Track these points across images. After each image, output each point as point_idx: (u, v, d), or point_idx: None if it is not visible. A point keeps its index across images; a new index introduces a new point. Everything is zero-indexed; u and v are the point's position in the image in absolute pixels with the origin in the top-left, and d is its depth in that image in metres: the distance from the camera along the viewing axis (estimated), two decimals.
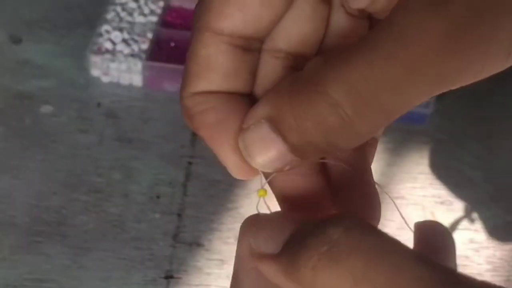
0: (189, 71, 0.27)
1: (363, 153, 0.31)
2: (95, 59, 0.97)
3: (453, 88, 0.24)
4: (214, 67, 0.27)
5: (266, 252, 0.25)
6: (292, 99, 0.24)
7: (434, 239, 0.28)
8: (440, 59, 0.23)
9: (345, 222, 0.23)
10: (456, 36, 0.23)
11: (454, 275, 0.23)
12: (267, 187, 0.29)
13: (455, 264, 0.27)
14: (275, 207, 0.29)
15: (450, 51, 0.23)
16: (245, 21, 0.26)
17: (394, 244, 0.22)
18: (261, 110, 0.25)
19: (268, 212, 0.28)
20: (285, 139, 0.25)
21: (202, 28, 0.27)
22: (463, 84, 0.24)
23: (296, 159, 0.25)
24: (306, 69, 0.25)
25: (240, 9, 0.26)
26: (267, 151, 0.26)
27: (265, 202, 0.28)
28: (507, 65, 0.24)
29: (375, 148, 0.31)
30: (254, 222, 0.27)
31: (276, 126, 0.25)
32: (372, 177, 0.30)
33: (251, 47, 0.27)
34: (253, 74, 0.27)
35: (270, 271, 0.25)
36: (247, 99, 0.27)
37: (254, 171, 0.28)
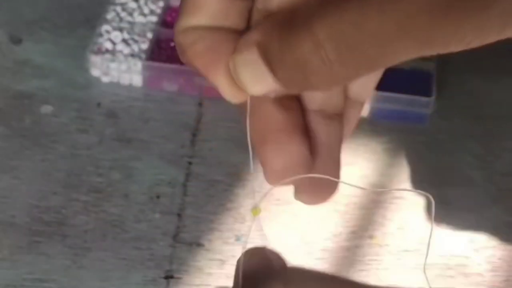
0: (181, 10, 0.28)
1: (343, 120, 0.31)
2: (95, 59, 0.97)
3: (442, 52, 0.24)
4: (204, 4, 0.28)
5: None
6: (282, 31, 0.25)
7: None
8: (432, 22, 0.23)
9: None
10: (452, 2, 0.22)
11: None
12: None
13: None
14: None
15: (443, 16, 0.23)
16: None
17: None
18: (253, 35, 0.26)
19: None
20: (269, 67, 0.26)
21: None
22: (453, 50, 0.24)
23: (280, 88, 0.26)
24: (302, 6, 0.25)
25: None
26: (253, 75, 0.27)
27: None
28: (499, 38, 0.24)
29: (359, 112, 0.31)
30: None
31: (264, 54, 0.26)
32: (339, 151, 0.31)
33: None
34: (245, 18, 0.29)
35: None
36: (238, 34, 0.28)
37: (244, 94, 0.29)
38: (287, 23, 0.25)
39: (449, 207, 0.87)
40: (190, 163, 0.90)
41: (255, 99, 0.29)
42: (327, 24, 0.23)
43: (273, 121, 0.30)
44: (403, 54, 0.23)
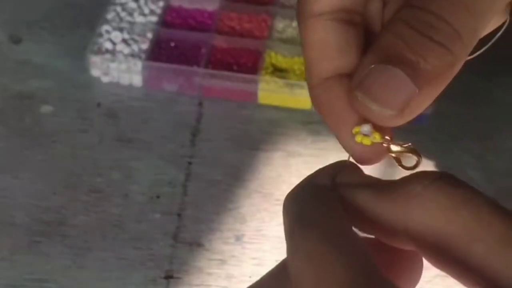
0: (308, 61, 0.27)
1: None
2: (95, 59, 0.97)
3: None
4: (330, 44, 0.27)
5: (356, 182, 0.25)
6: (389, 28, 0.25)
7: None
8: None
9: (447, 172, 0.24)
10: None
11: None
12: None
13: None
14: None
15: None
16: None
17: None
18: (367, 60, 0.26)
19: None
20: (401, 64, 0.25)
21: (305, 16, 0.27)
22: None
23: (415, 89, 0.25)
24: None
25: None
26: (386, 84, 0.25)
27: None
28: (495, 26, 0.26)
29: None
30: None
31: (388, 60, 0.25)
32: None
33: (354, 21, 0.28)
34: (361, 47, 0.28)
35: (362, 195, 0.25)
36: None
37: (378, 150, 0.28)
38: (414, 20, 0.25)
39: None
40: (190, 163, 0.90)
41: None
42: (444, 1, 0.25)
43: None
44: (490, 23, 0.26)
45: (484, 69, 1.02)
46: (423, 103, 0.26)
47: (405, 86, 0.25)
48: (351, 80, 0.26)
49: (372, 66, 0.25)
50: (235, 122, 0.93)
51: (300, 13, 0.28)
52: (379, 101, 0.25)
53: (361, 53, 0.28)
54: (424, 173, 0.25)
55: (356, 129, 0.27)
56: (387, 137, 0.28)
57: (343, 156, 0.28)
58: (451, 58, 0.26)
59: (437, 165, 0.92)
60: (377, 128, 0.27)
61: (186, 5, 1.06)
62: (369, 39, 0.29)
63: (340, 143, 0.28)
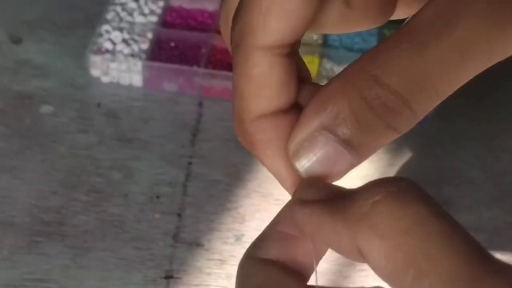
0: (243, 95, 0.26)
1: None
2: (95, 59, 0.97)
3: (502, 59, 0.24)
4: (273, 82, 0.26)
5: (311, 198, 0.25)
6: (348, 93, 0.24)
7: None
8: (491, 33, 0.23)
9: (409, 180, 0.23)
10: (499, 7, 0.22)
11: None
12: None
13: None
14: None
15: (498, 24, 0.23)
16: (291, 28, 0.25)
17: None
18: (310, 123, 0.25)
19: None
20: (343, 139, 0.24)
21: (250, 47, 0.25)
22: (509, 54, 0.24)
23: (354, 161, 0.25)
24: (354, 63, 0.24)
25: (285, 16, 0.25)
26: (328, 162, 0.25)
27: None
28: None
29: None
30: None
31: (331, 129, 0.24)
32: None
33: (294, 51, 0.27)
34: (297, 79, 0.27)
35: (314, 214, 0.24)
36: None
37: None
38: (349, 83, 0.24)
39: (449, 207, 0.87)
40: (190, 163, 0.90)
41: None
42: (392, 67, 0.23)
43: None
44: (468, 75, 0.24)
45: (485, 71, 1.02)
46: (359, 164, 0.25)
47: (344, 161, 0.25)
48: (291, 138, 0.25)
49: (315, 134, 0.24)
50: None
51: (243, 43, 0.25)
52: (312, 172, 0.25)
53: (297, 87, 0.26)
54: (379, 184, 0.24)
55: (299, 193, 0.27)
56: None
57: None
58: (398, 136, 0.25)
59: (437, 166, 0.92)
60: None
61: (186, 5, 1.06)
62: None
63: (276, 178, 0.27)
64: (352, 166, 0.25)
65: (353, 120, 0.24)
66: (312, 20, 0.26)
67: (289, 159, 0.25)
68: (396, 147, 0.93)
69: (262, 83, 0.26)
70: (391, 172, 0.90)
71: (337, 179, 0.26)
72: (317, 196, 0.25)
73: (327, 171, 0.25)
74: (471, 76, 0.24)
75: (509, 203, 0.88)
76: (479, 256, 0.21)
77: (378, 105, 0.23)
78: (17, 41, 1.03)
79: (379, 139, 0.24)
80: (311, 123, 0.24)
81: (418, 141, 0.94)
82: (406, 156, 0.92)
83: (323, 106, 0.24)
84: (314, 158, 0.25)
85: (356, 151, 0.25)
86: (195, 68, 0.97)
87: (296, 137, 0.25)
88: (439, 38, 0.23)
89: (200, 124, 0.95)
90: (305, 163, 0.25)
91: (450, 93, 0.24)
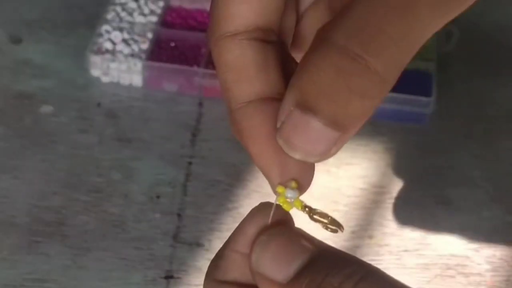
0: (226, 83, 0.26)
1: None
2: (95, 59, 0.97)
3: (459, 12, 0.23)
4: (248, 64, 0.26)
5: (274, 278, 0.24)
6: (307, 67, 0.23)
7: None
8: None
9: (369, 266, 0.24)
10: None
11: None
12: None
13: None
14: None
15: None
16: (254, 11, 0.25)
17: None
18: (287, 100, 0.24)
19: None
20: (318, 114, 0.23)
21: (218, 37, 0.26)
22: (467, 6, 0.23)
23: (338, 134, 0.23)
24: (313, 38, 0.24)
25: (243, 1, 0.25)
26: (306, 136, 0.24)
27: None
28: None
29: None
30: (261, 232, 0.26)
31: (305, 106, 0.23)
32: None
33: (270, 39, 0.26)
34: (280, 65, 0.26)
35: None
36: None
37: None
38: (309, 59, 0.23)
39: (449, 207, 0.87)
40: (190, 163, 0.90)
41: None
42: (343, 27, 0.22)
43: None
44: (423, 25, 0.22)
45: (484, 70, 1.02)
46: (349, 139, 0.24)
47: (326, 136, 0.23)
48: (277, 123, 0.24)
49: (291, 109, 0.23)
50: None
51: (212, 34, 0.26)
52: (300, 151, 0.24)
53: (281, 72, 0.26)
54: (338, 275, 0.23)
55: (280, 189, 0.26)
56: (308, 206, 0.26)
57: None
58: (372, 103, 0.23)
59: (437, 165, 0.92)
60: (303, 189, 0.26)
61: (186, 5, 1.06)
62: (287, 57, 0.27)
63: (262, 171, 0.26)
64: (335, 139, 0.23)
65: (320, 93, 0.23)
66: (280, 7, 0.26)
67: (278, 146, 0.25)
68: (396, 147, 0.93)
69: (238, 67, 0.26)
70: (391, 172, 0.90)
71: (328, 157, 0.24)
72: (277, 272, 0.25)
73: (309, 149, 0.24)
74: (429, 28, 0.22)
75: (509, 203, 0.88)
76: None
77: (333, 70, 0.22)
78: (17, 41, 1.03)
79: (350, 108, 0.23)
80: (287, 100, 0.24)
81: (418, 141, 0.94)
82: (406, 156, 0.92)
83: (293, 84, 0.24)
84: (294, 136, 0.24)
85: (337, 126, 0.23)
86: (195, 68, 0.97)
87: (278, 114, 0.24)
88: None
89: (200, 124, 0.95)
90: (285, 140, 0.24)
91: (412, 45, 0.23)
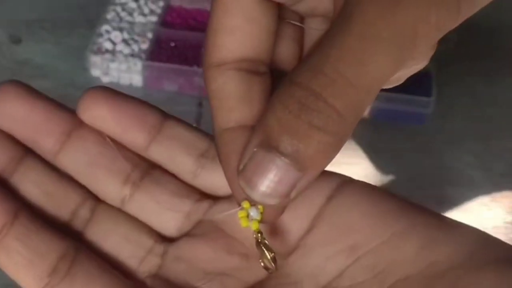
0: (212, 108, 0.27)
1: None
2: (95, 59, 0.97)
3: (414, 60, 0.24)
4: (229, 93, 0.26)
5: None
6: (273, 105, 0.24)
7: None
8: (385, 12, 0.23)
9: None
10: None
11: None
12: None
13: None
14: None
15: (390, 4, 0.23)
16: (240, 43, 0.26)
17: None
18: (251, 143, 0.25)
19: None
20: (280, 151, 0.23)
21: (207, 66, 0.27)
22: (422, 54, 0.25)
23: (299, 175, 0.24)
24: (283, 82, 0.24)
25: (229, 33, 0.26)
26: (267, 175, 0.24)
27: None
28: (415, 71, 0.26)
29: None
30: None
31: (269, 144, 0.24)
32: None
33: (259, 70, 0.27)
34: (267, 97, 0.27)
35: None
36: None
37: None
38: (275, 101, 0.24)
39: (449, 207, 0.87)
40: None
41: None
42: (307, 70, 0.23)
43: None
44: (377, 68, 0.23)
45: (484, 70, 1.02)
46: (311, 181, 0.24)
47: (287, 175, 0.24)
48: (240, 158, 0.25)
49: (255, 150, 0.24)
50: None
51: (204, 63, 0.27)
52: (260, 192, 0.24)
53: (265, 102, 0.26)
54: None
55: (245, 204, 0.26)
56: (261, 233, 0.26)
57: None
58: (333, 140, 0.23)
59: (437, 165, 0.92)
60: (265, 220, 0.26)
61: (186, 5, 1.06)
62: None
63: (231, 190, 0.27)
64: (297, 179, 0.24)
65: (283, 129, 0.23)
66: (269, 39, 0.27)
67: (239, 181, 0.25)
68: (396, 147, 0.93)
69: (220, 95, 0.27)
70: (391, 172, 0.90)
71: (287, 202, 0.25)
72: None
73: (270, 190, 0.24)
74: (385, 70, 0.23)
75: (508, 203, 0.88)
76: None
77: (296, 106, 0.23)
78: (17, 41, 1.03)
79: (311, 144, 0.23)
80: (252, 142, 0.24)
81: (418, 140, 0.94)
82: (406, 156, 0.92)
83: (258, 127, 0.24)
84: (254, 176, 0.24)
85: (298, 164, 0.23)
86: (195, 68, 0.97)
87: (242, 155, 0.25)
88: (339, 28, 0.23)
89: (200, 124, 0.95)
90: (247, 181, 0.25)
91: (369, 88, 0.23)
